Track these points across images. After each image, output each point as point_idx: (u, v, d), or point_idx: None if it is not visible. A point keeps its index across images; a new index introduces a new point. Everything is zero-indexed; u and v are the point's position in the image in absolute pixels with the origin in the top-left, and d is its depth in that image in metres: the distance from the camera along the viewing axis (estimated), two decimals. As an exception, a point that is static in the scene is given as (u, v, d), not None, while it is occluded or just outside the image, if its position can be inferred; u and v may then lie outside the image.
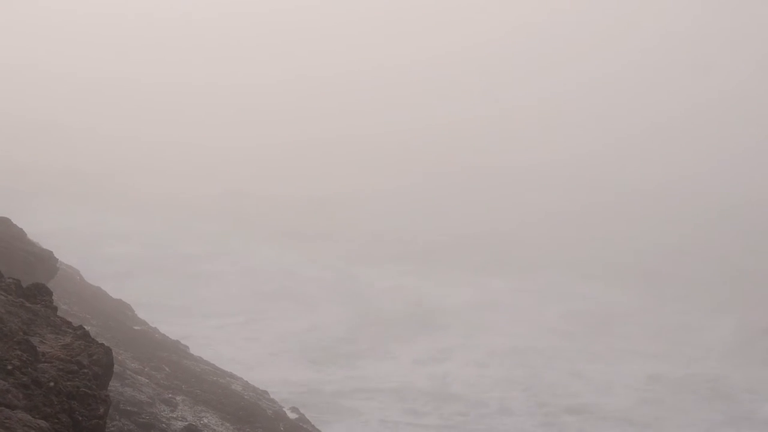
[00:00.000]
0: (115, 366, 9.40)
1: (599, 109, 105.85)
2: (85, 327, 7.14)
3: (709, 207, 63.61)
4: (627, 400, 27.57)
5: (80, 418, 5.60)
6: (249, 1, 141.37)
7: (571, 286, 43.28)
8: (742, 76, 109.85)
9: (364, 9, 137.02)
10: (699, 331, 36.11)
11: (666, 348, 33.60)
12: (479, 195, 68.03)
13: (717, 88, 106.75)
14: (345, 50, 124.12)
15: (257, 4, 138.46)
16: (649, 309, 39.79)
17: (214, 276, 39.76)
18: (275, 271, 42.06)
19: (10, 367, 5.56)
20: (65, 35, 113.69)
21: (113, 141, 77.64)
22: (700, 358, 32.52)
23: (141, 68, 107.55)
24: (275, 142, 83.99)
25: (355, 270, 43.36)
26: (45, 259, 14.00)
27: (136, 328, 17.50)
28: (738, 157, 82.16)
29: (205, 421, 12.44)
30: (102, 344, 6.63)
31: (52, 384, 5.59)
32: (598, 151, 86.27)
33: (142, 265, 39.53)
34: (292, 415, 16.18)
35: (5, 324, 6.19)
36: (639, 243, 54.75)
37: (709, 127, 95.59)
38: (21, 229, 15.00)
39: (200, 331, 29.40)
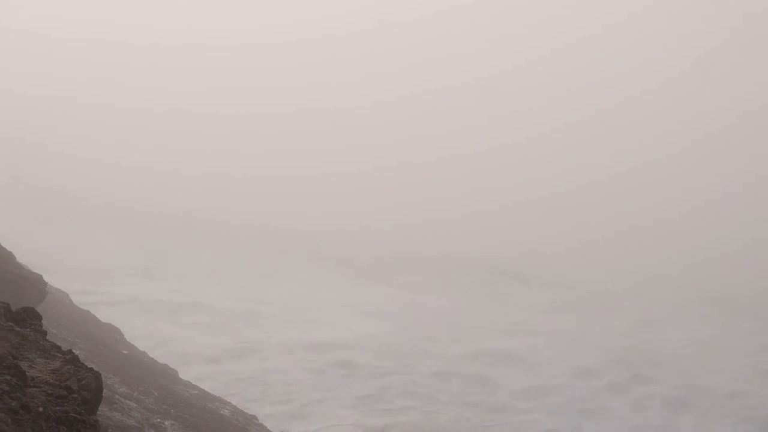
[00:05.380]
0: (104, 390, 9.34)
1: (637, 128, 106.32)
2: (74, 351, 7.11)
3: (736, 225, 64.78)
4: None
5: (69, 444, 5.55)
6: (225, 32, 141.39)
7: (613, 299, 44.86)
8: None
9: (360, 46, 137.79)
10: (726, 343, 36.13)
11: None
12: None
13: (751, 107, 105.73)
14: (356, 83, 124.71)
15: (233, 39, 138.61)
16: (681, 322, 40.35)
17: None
18: (275, 285, 42.65)
19: (-2, 392, 5.53)
20: (40, 59, 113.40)
21: (93, 163, 77.70)
22: (723, 372, 32.34)
23: (119, 93, 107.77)
24: (262, 174, 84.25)
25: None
26: (34, 283, 13.91)
27: (124, 352, 17.39)
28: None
29: (194, 446, 12.34)
30: (91, 369, 6.59)
31: (41, 409, 5.56)
32: (637, 169, 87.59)
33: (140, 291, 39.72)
34: (281, 441, 16.06)
35: (-6, 348, 6.16)
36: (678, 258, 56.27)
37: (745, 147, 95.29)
38: (10, 252, 14.92)
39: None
